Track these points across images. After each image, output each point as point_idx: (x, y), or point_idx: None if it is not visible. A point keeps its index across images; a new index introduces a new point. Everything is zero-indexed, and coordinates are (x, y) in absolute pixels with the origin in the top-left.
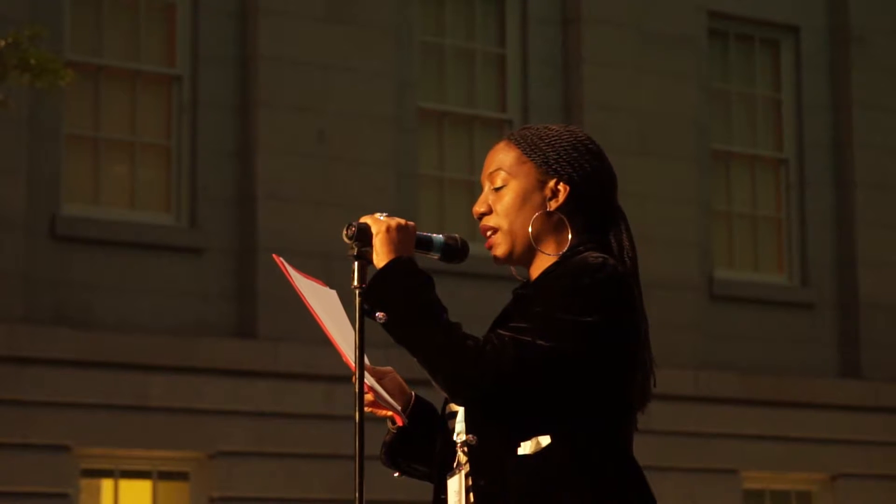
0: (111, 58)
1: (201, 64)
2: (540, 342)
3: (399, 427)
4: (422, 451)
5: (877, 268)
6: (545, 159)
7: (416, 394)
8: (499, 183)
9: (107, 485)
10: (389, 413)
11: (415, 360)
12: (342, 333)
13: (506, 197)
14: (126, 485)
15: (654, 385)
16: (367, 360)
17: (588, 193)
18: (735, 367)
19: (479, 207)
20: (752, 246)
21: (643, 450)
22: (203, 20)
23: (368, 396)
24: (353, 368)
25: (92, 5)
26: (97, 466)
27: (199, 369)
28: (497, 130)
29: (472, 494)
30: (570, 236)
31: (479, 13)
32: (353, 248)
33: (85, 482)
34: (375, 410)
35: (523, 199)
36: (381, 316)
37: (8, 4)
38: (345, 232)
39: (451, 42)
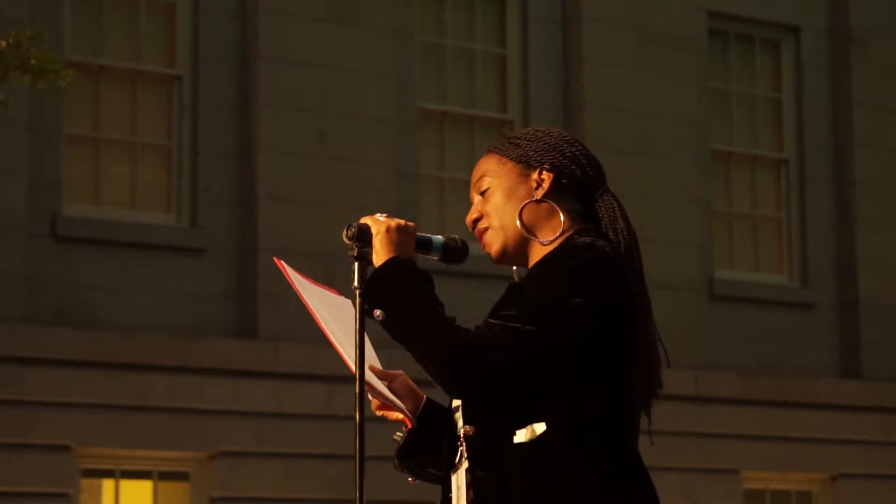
0: (111, 58)
1: (201, 64)
2: (529, 327)
3: (409, 430)
4: (433, 453)
5: (877, 268)
6: (524, 154)
7: (427, 396)
8: (484, 186)
9: (107, 485)
10: (400, 416)
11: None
12: (347, 337)
13: (493, 197)
14: (127, 485)
15: (668, 364)
16: (377, 363)
17: (573, 176)
18: (735, 367)
19: (471, 215)
20: (753, 246)
21: (643, 450)
22: (203, 20)
23: (375, 401)
24: (354, 373)
25: (92, 5)
26: (98, 466)
27: (200, 369)
28: (497, 130)
29: (472, 488)
30: (562, 219)
31: (479, 13)
32: (353, 249)
33: (85, 482)
34: (387, 413)
35: (509, 194)
36: (379, 314)
37: (8, 4)
38: (345, 232)
39: (451, 42)
